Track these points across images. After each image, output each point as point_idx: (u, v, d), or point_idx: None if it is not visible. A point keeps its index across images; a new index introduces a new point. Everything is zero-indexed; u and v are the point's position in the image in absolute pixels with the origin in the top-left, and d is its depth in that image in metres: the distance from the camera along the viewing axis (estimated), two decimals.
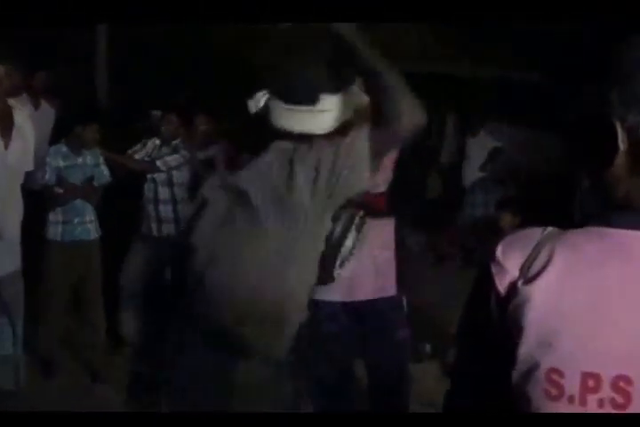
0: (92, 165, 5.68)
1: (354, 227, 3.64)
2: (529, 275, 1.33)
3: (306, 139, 2.43)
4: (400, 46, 7.70)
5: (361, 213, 3.63)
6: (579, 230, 1.36)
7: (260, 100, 2.40)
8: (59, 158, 5.56)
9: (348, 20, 2.28)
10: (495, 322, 1.36)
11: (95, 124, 5.65)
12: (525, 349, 1.31)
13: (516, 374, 1.34)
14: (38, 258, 5.41)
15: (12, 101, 4.71)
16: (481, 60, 8.49)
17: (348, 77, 2.45)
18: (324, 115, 2.40)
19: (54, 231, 5.49)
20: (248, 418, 2.21)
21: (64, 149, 5.58)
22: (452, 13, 2.75)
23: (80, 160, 5.62)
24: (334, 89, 2.39)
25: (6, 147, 4.63)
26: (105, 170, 5.76)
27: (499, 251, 1.38)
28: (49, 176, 5.48)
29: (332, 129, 2.43)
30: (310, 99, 2.35)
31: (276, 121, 2.43)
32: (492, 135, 8.72)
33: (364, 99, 2.44)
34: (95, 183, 5.67)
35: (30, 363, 4.81)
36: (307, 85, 2.35)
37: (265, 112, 2.42)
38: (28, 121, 4.84)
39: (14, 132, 4.65)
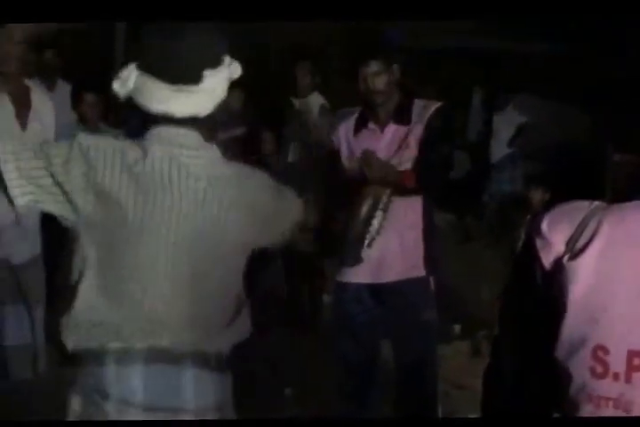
0: None
1: (381, 205, 3.66)
2: (575, 249, 1.31)
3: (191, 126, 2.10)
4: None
5: (387, 191, 3.67)
6: (627, 204, 1.34)
7: (128, 79, 2.05)
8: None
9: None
10: (539, 297, 1.36)
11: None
12: (570, 325, 1.30)
13: (560, 351, 1.33)
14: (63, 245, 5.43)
15: (28, 82, 4.73)
16: (506, 31, 8.42)
17: (222, 47, 2.11)
18: (207, 94, 2.07)
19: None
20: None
21: (77, 128, 5.50)
22: None
23: None
24: (215, 63, 2.07)
25: (24, 128, 4.65)
26: None
27: (544, 225, 1.36)
28: None
29: (212, 110, 2.11)
30: (194, 76, 2.04)
31: (152, 104, 2.05)
32: (519, 110, 8.66)
33: (237, 71, 2.14)
34: None
35: (50, 351, 4.84)
36: (188, 60, 2.03)
37: (136, 94, 2.07)
38: (47, 101, 4.85)
39: (32, 114, 4.67)
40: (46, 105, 4.81)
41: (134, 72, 2.05)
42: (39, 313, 4.60)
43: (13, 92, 4.62)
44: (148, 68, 2.04)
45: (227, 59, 2.10)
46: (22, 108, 4.61)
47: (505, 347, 1.51)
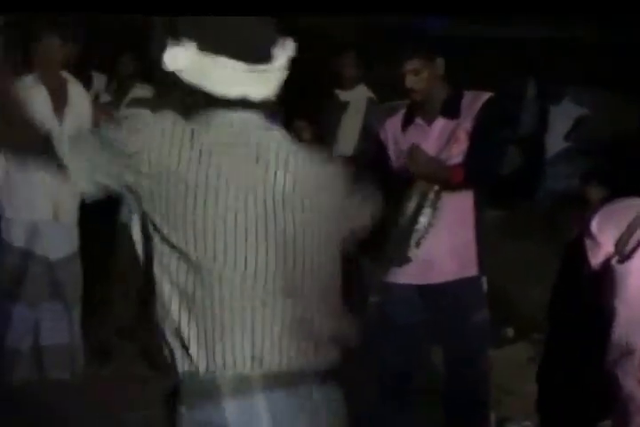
0: None
1: (429, 202, 3.59)
2: (625, 251, 1.27)
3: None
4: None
5: (435, 186, 3.60)
6: None
7: (181, 57, 1.93)
8: None
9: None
10: (587, 300, 1.32)
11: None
12: (619, 332, 1.27)
13: (609, 358, 1.29)
14: (105, 242, 5.45)
15: (66, 74, 4.75)
16: (562, 20, 8.31)
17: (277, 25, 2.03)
18: (278, 74, 1.99)
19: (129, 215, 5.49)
20: None
21: None
22: None
23: None
24: (278, 41, 1.99)
25: (60, 123, 4.67)
26: None
27: (594, 224, 1.33)
28: None
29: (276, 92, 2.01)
30: (266, 55, 1.95)
31: (223, 87, 1.94)
32: (576, 102, 8.54)
33: (293, 49, 2.03)
34: None
35: (88, 351, 4.84)
36: (259, 39, 1.95)
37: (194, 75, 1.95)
38: (83, 94, 4.88)
39: (69, 107, 4.70)
40: (83, 98, 4.85)
41: (191, 50, 1.92)
42: (76, 312, 4.61)
43: (51, 85, 4.66)
44: (217, 48, 1.93)
45: (283, 39, 2.02)
46: (59, 101, 4.67)
47: (553, 350, 1.48)
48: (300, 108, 6.51)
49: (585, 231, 1.34)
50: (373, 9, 6.23)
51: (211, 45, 1.93)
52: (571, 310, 1.39)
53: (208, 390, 1.85)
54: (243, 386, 1.85)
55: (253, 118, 1.97)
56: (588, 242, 1.34)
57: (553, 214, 7.13)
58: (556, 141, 8.35)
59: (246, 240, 1.86)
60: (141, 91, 6.41)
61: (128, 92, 6.38)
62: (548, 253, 5.57)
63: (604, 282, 1.30)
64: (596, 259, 1.32)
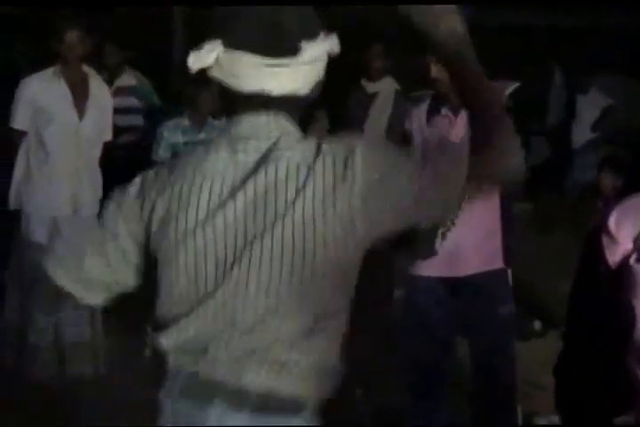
0: None
1: None
2: None
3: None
4: None
5: None
6: None
7: (208, 53, 1.86)
8: (178, 133, 5.41)
9: None
10: (605, 297, 1.30)
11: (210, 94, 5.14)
12: (638, 330, 1.24)
13: (630, 357, 1.27)
14: None
15: (87, 68, 4.77)
16: (589, 8, 8.27)
17: (319, 19, 1.93)
18: (306, 70, 1.89)
19: None
20: None
21: (185, 122, 5.43)
22: None
23: (202, 136, 5.33)
24: (312, 34, 1.89)
25: (81, 117, 4.69)
26: None
27: (611, 220, 1.30)
28: (163, 152, 5.40)
29: (309, 90, 1.92)
30: (291, 48, 1.86)
31: (242, 82, 1.87)
32: (604, 91, 8.48)
33: (336, 45, 1.94)
34: None
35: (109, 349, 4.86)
36: (284, 30, 1.87)
37: (217, 69, 1.88)
38: (105, 89, 4.91)
39: (90, 101, 4.72)
40: (104, 92, 4.89)
41: (218, 48, 1.87)
42: (97, 310, 4.63)
43: (71, 79, 4.68)
44: (238, 43, 1.86)
45: (324, 32, 1.92)
46: (80, 95, 4.73)
47: (571, 346, 1.46)
48: (327, 100, 6.53)
49: (602, 228, 1.30)
50: None
51: (232, 40, 1.87)
52: (589, 307, 1.37)
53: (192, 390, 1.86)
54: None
55: (268, 125, 1.88)
56: (605, 239, 1.31)
57: (580, 205, 7.10)
58: (583, 132, 8.31)
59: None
60: (128, 79, 6.45)
61: (114, 81, 6.40)
62: (576, 244, 5.55)
63: (622, 280, 1.27)
64: (613, 257, 1.30)
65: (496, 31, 7.86)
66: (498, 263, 3.74)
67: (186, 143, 5.29)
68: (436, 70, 3.67)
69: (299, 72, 1.89)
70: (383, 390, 4.73)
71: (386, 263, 5.84)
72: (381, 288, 6.03)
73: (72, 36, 4.57)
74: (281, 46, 1.87)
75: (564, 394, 1.53)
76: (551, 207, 7.70)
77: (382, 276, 5.94)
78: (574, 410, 1.53)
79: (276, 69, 1.87)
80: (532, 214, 7.30)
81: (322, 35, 1.92)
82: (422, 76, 3.80)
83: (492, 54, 5.20)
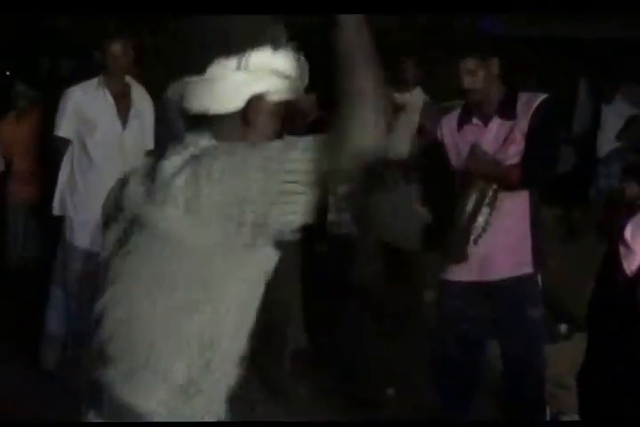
0: None
1: (487, 201, 3.66)
2: None
3: None
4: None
5: (494, 186, 3.67)
6: None
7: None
8: None
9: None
10: (624, 306, 1.32)
11: None
12: None
13: None
14: None
15: (129, 79, 4.87)
16: (612, 19, 8.25)
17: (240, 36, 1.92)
18: (214, 85, 1.91)
19: None
20: None
21: None
22: None
23: None
24: (228, 52, 1.91)
25: (124, 127, 4.79)
26: None
27: (627, 231, 1.32)
28: None
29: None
30: (198, 65, 1.89)
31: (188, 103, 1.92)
32: (628, 101, 8.51)
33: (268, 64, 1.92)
34: None
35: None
36: (194, 47, 1.91)
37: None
38: (147, 99, 4.98)
39: (132, 111, 4.81)
40: (146, 103, 4.95)
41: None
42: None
43: (115, 90, 4.78)
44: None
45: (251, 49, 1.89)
46: (123, 105, 4.78)
47: (593, 353, 1.48)
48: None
49: (619, 238, 1.36)
50: (426, 8, 6.28)
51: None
52: (608, 315, 1.41)
53: None
54: None
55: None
56: (622, 249, 1.35)
57: (605, 213, 7.12)
58: (607, 141, 8.32)
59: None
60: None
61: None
62: (600, 250, 5.65)
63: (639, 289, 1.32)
64: (630, 266, 1.33)
65: (522, 43, 7.89)
66: (527, 269, 3.78)
67: None
68: (467, 81, 3.73)
69: (210, 89, 1.91)
70: (414, 391, 4.81)
71: (414, 266, 5.95)
72: (410, 291, 6.11)
73: (116, 46, 4.67)
74: (191, 62, 1.91)
75: (587, 400, 1.56)
76: (577, 214, 7.71)
77: (411, 278, 6.05)
78: (597, 415, 1.52)
79: (196, 86, 1.91)
80: (559, 221, 7.31)
81: (249, 53, 1.91)
82: (453, 86, 3.87)
83: (517, 65, 5.28)
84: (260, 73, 1.90)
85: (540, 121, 3.71)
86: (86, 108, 4.79)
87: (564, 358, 5.12)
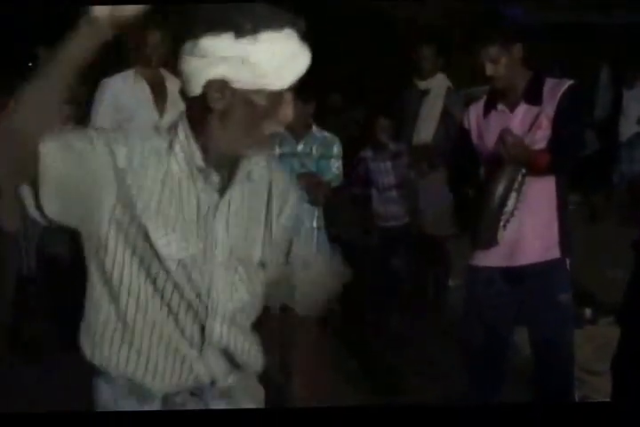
0: (318, 156, 4.78)
1: (516, 185, 3.66)
2: None
3: None
4: None
5: (523, 170, 3.67)
6: None
7: None
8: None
9: None
10: None
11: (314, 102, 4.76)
12: None
13: None
14: None
15: (164, 71, 4.88)
16: (636, 5, 8.23)
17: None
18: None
19: None
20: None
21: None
22: None
23: (301, 148, 4.79)
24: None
25: (161, 115, 4.80)
26: (337, 165, 4.80)
27: None
28: None
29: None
30: None
31: None
32: None
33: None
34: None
35: None
36: None
37: None
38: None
39: (169, 102, 4.83)
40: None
41: None
42: None
43: (151, 80, 4.81)
44: None
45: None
46: (159, 96, 4.80)
47: (627, 346, 1.49)
48: (379, 97, 6.59)
49: None
50: None
51: None
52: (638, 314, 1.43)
53: None
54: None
55: None
56: None
57: (629, 197, 7.11)
58: (630, 125, 8.31)
59: None
60: None
61: None
62: (624, 235, 5.68)
63: None
64: None
65: (544, 29, 7.87)
66: (555, 253, 3.77)
67: (282, 155, 4.63)
68: (490, 68, 3.71)
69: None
70: (440, 379, 4.86)
71: (439, 253, 5.98)
72: (436, 277, 6.14)
73: (153, 40, 4.69)
74: None
75: (620, 387, 1.57)
76: (599, 199, 7.71)
77: (438, 265, 6.08)
78: (630, 402, 1.53)
79: None
80: (582, 205, 7.32)
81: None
82: (476, 73, 3.82)
83: (540, 51, 5.29)
84: (213, 59, 1.89)
85: (567, 106, 3.70)
86: (123, 98, 4.78)
87: (590, 342, 5.16)
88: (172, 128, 2.01)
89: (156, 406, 2.07)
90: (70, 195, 1.89)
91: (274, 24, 1.88)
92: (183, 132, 1.98)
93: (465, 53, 3.91)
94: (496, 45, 3.69)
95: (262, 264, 2.12)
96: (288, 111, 1.94)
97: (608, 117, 9.05)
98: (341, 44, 7.88)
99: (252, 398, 2.22)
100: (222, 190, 2.04)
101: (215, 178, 2.01)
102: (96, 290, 2.03)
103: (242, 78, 1.89)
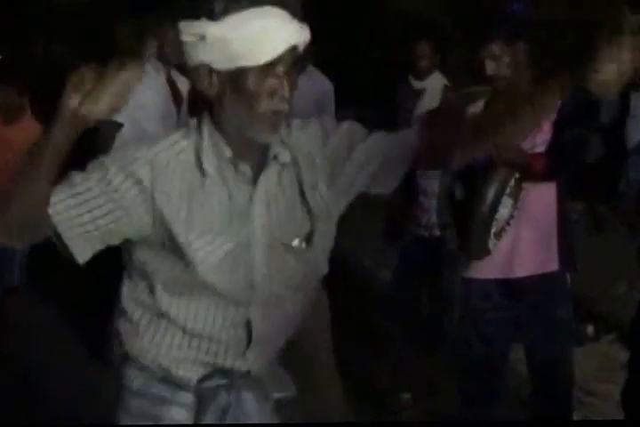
0: None
1: (509, 190, 3.54)
2: None
3: None
4: None
5: (515, 174, 3.54)
6: None
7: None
8: None
9: None
10: None
11: None
12: None
13: None
14: None
15: (174, 73, 4.85)
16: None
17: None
18: None
19: None
20: None
21: None
22: None
23: None
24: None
25: (179, 114, 4.80)
26: None
27: None
28: None
29: None
30: None
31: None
32: None
33: None
34: None
35: None
36: None
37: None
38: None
39: (185, 102, 4.77)
40: None
41: None
42: None
43: (169, 77, 4.85)
44: None
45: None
46: (176, 93, 4.82)
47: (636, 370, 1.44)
48: (374, 95, 6.49)
49: None
50: None
51: None
52: None
53: None
54: None
55: None
56: None
57: (636, 207, 7.03)
58: (638, 129, 8.25)
59: None
60: None
61: None
62: (630, 247, 5.52)
63: None
64: None
65: (549, 27, 7.80)
66: (554, 266, 3.67)
67: None
68: (491, 67, 3.63)
69: None
70: (430, 395, 4.74)
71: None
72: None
73: (174, 33, 4.62)
74: None
75: (633, 417, 1.51)
76: (604, 208, 7.65)
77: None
78: None
79: None
80: (585, 214, 7.24)
81: None
82: (475, 72, 3.76)
83: (545, 50, 5.15)
84: (193, 44, 2.00)
85: (569, 110, 3.57)
86: (141, 93, 4.60)
87: (591, 361, 5.01)
88: (197, 126, 2.07)
89: (189, 395, 2.17)
90: (98, 235, 1.98)
91: (242, 3, 1.91)
92: (207, 127, 2.05)
93: (463, 51, 3.85)
94: (498, 43, 3.63)
95: (307, 240, 2.15)
96: (283, 86, 1.95)
97: (615, 122, 8.98)
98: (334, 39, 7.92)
99: (281, 385, 2.33)
100: (254, 179, 2.08)
101: (244, 167, 2.06)
102: (132, 281, 2.14)
103: (220, 61, 1.95)
